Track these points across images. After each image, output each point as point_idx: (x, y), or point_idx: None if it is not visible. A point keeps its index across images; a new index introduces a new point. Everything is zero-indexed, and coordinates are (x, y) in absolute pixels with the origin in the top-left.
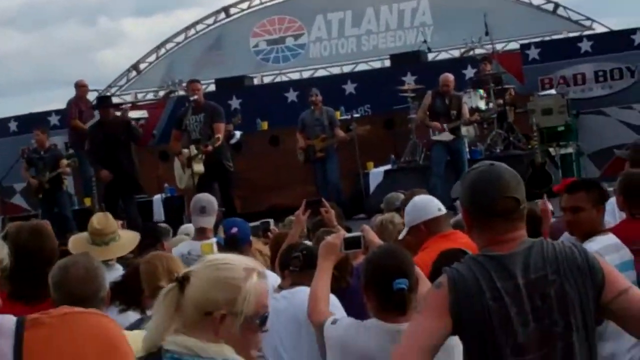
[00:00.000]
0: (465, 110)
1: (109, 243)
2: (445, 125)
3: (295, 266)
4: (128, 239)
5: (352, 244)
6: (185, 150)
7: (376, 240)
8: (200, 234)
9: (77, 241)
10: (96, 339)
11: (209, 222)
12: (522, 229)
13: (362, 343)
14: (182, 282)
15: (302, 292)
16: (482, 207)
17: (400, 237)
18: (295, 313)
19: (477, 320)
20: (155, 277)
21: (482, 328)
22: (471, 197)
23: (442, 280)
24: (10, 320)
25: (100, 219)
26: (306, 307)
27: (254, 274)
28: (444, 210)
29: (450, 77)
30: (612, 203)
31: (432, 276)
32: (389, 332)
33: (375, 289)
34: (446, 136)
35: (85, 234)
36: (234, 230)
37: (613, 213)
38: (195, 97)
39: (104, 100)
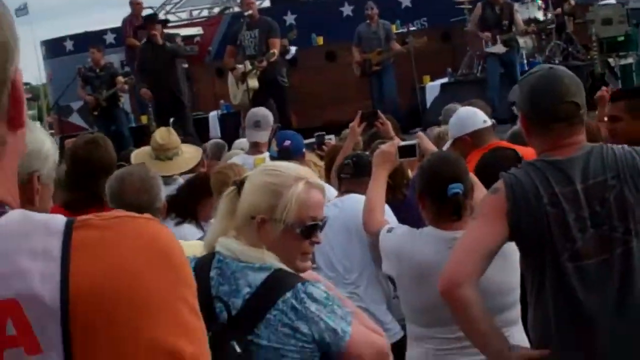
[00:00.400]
0: (518, 19)
1: (172, 158)
2: (497, 37)
3: (346, 173)
4: (191, 154)
5: (407, 152)
6: (240, 66)
7: (431, 147)
8: (254, 148)
9: (140, 156)
10: (147, 244)
11: (263, 136)
12: (582, 133)
13: (418, 251)
14: (240, 186)
15: (352, 200)
16: (542, 111)
17: (445, 148)
18: (346, 221)
19: (534, 226)
20: (227, 184)
21: (540, 234)
22: (530, 102)
23: (499, 185)
24: (60, 220)
25: (163, 134)
26: (356, 214)
27: (301, 182)
28: (489, 122)
29: None
30: None
31: (479, 171)
32: (445, 239)
33: (431, 195)
34: (499, 48)
35: (148, 149)
36: (287, 142)
37: None
38: (250, 12)
39: (148, 19)
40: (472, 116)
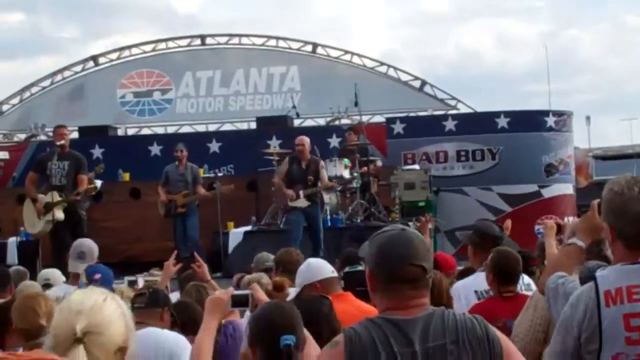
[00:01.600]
0: (324, 175)
1: None
2: (301, 192)
3: (140, 302)
4: None
5: (240, 302)
6: (42, 196)
7: (264, 298)
8: (74, 279)
9: None
10: None
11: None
12: (426, 297)
13: None
14: None
15: (148, 334)
16: (389, 272)
17: (292, 296)
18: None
19: None
20: (36, 313)
21: None
22: (378, 260)
23: (338, 339)
24: None
25: None
26: (158, 353)
27: None
28: (336, 274)
29: (304, 138)
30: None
31: None
32: None
33: (262, 344)
34: (302, 202)
35: None
36: (97, 276)
37: (463, 297)
38: (62, 142)
39: None
40: (322, 265)
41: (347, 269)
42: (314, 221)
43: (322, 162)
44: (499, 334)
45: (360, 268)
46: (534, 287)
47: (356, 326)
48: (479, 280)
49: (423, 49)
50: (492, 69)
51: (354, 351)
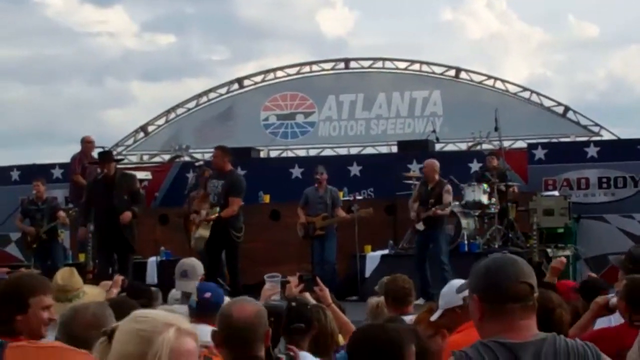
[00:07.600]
0: (445, 198)
1: (72, 300)
2: (421, 215)
3: (300, 334)
4: (93, 297)
5: None
6: (203, 212)
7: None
8: (186, 298)
9: None
10: None
11: (192, 287)
12: (534, 318)
13: None
14: (110, 335)
15: None
16: (498, 290)
17: (434, 318)
18: None
19: None
20: None
21: None
22: (486, 282)
23: None
24: None
25: (65, 275)
26: None
27: (171, 329)
28: None
29: (431, 161)
30: None
31: None
32: None
33: None
34: (420, 226)
35: None
36: (207, 295)
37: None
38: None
39: (105, 155)
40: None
41: None
42: (433, 244)
43: (447, 186)
44: None
45: None
46: None
47: (467, 349)
48: None
49: (573, 74)
50: None
51: None
